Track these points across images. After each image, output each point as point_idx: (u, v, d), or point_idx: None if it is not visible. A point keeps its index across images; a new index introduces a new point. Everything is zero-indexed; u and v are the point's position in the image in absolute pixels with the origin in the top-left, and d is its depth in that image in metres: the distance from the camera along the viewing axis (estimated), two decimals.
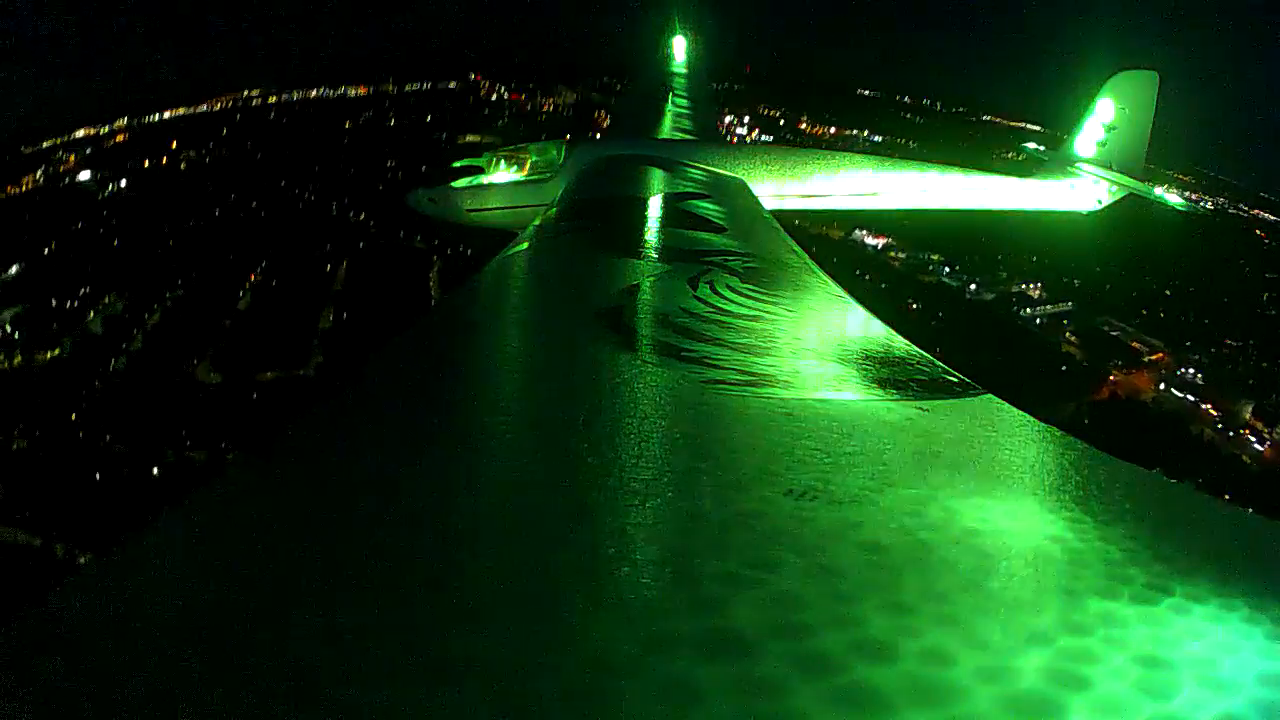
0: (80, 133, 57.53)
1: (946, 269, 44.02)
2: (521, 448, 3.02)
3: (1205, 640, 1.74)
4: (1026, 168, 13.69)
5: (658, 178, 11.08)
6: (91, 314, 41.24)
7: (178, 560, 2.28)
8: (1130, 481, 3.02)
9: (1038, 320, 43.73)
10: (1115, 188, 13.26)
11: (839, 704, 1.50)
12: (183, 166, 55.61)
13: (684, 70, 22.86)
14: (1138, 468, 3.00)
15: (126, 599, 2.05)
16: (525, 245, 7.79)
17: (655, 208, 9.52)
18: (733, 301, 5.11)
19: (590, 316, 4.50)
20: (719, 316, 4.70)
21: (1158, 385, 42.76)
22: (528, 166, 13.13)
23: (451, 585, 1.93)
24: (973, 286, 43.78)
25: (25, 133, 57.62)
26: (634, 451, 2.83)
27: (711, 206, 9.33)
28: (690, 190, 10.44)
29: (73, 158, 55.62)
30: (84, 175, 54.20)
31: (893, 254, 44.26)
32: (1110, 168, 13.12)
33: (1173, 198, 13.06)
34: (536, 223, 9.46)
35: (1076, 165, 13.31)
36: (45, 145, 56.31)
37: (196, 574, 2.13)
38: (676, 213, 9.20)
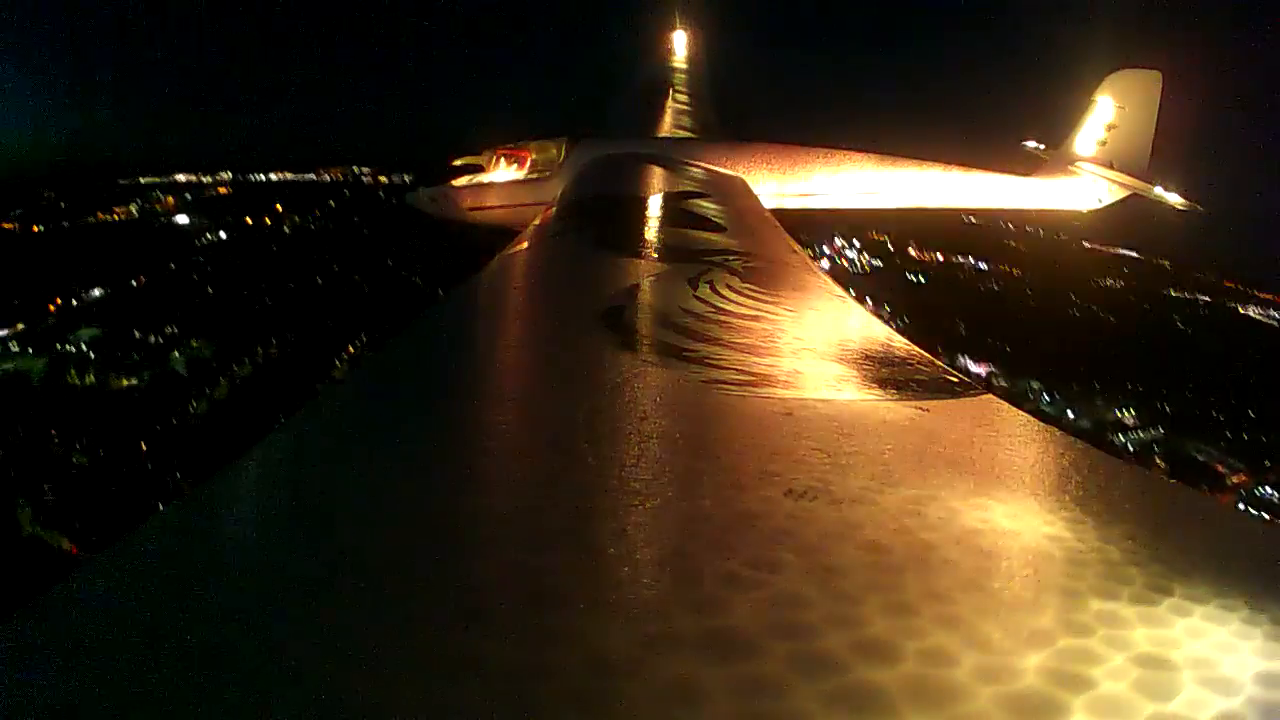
0: (180, 177, 56.94)
1: (1046, 397, 44.67)
2: (521, 447, 3.02)
3: (1205, 640, 1.74)
4: (1026, 167, 13.69)
5: (658, 176, 11.08)
6: (176, 353, 40.54)
7: (177, 558, 2.28)
8: (1130, 482, 3.02)
9: (1129, 447, 44.35)
10: (1115, 187, 13.27)
11: (839, 704, 1.51)
12: (286, 230, 54.53)
13: (684, 66, 22.83)
14: (1138, 467, 3.00)
15: (126, 597, 2.05)
16: (525, 244, 7.79)
17: (655, 206, 9.52)
18: (733, 301, 5.11)
19: (590, 316, 4.50)
20: (719, 316, 4.70)
21: (1237, 506, 43.01)
22: (528, 165, 13.14)
23: (451, 585, 1.93)
24: (1069, 414, 44.62)
25: (123, 166, 57.55)
26: (634, 451, 2.83)
27: (712, 205, 9.33)
28: (690, 189, 10.43)
29: (171, 199, 54.78)
30: (182, 219, 53.65)
31: (996, 379, 44.86)
32: (1111, 167, 13.12)
33: (1173, 197, 13.06)
34: (537, 222, 9.47)
35: (1076, 164, 13.31)
36: (143, 181, 55.87)
37: (195, 573, 2.14)
38: (677, 212, 9.20)
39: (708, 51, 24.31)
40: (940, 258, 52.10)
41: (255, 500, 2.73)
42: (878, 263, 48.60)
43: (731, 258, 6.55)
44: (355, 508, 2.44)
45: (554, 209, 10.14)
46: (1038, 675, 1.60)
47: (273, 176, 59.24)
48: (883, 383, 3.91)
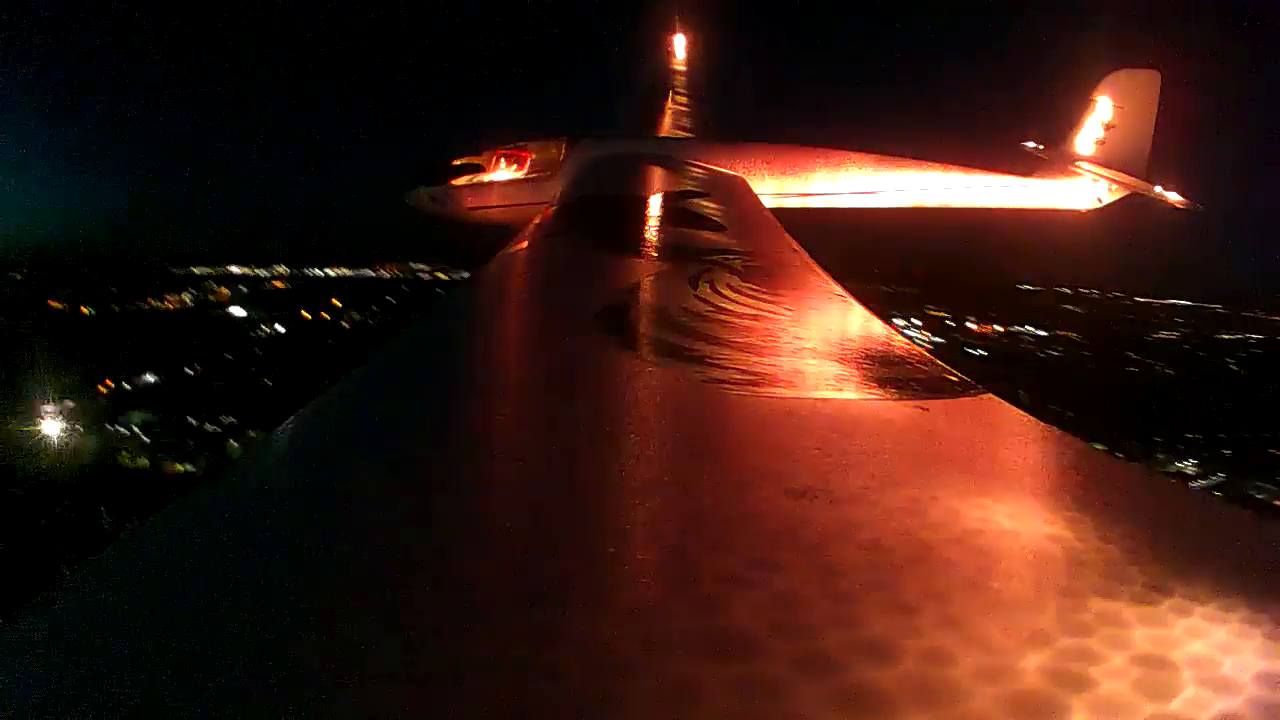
0: (234, 269, 56.23)
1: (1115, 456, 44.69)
2: (520, 447, 3.02)
3: (1205, 640, 1.74)
4: (1026, 166, 13.69)
5: (658, 176, 11.09)
6: (232, 442, 39.87)
7: (176, 558, 2.28)
8: (1130, 481, 3.03)
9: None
10: (1115, 186, 13.28)
11: (839, 704, 1.50)
12: (345, 326, 53.43)
13: (684, 66, 22.82)
14: (1138, 467, 3.00)
15: (125, 597, 2.05)
16: (524, 244, 7.79)
17: (655, 206, 9.52)
18: (733, 300, 5.11)
19: (590, 316, 4.50)
20: (719, 316, 4.70)
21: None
22: (528, 164, 13.16)
23: (450, 585, 1.93)
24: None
25: (175, 254, 57.18)
26: (634, 451, 2.83)
27: (712, 205, 9.33)
28: (690, 189, 10.44)
29: (225, 290, 53.99)
30: (237, 310, 52.88)
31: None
32: (1110, 166, 13.13)
33: (1172, 196, 13.06)
34: (536, 221, 9.47)
35: (1076, 164, 13.31)
36: (196, 271, 55.17)
37: (194, 573, 2.13)
38: (676, 211, 9.21)
39: (708, 51, 24.32)
40: (999, 328, 51.80)
41: (254, 500, 2.73)
42: (939, 339, 47.69)
43: (732, 257, 6.55)
44: (354, 507, 2.44)
45: (554, 208, 10.14)
46: (1038, 675, 1.60)
47: (329, 271, 58.64)
48: (883, 382, 3.90)
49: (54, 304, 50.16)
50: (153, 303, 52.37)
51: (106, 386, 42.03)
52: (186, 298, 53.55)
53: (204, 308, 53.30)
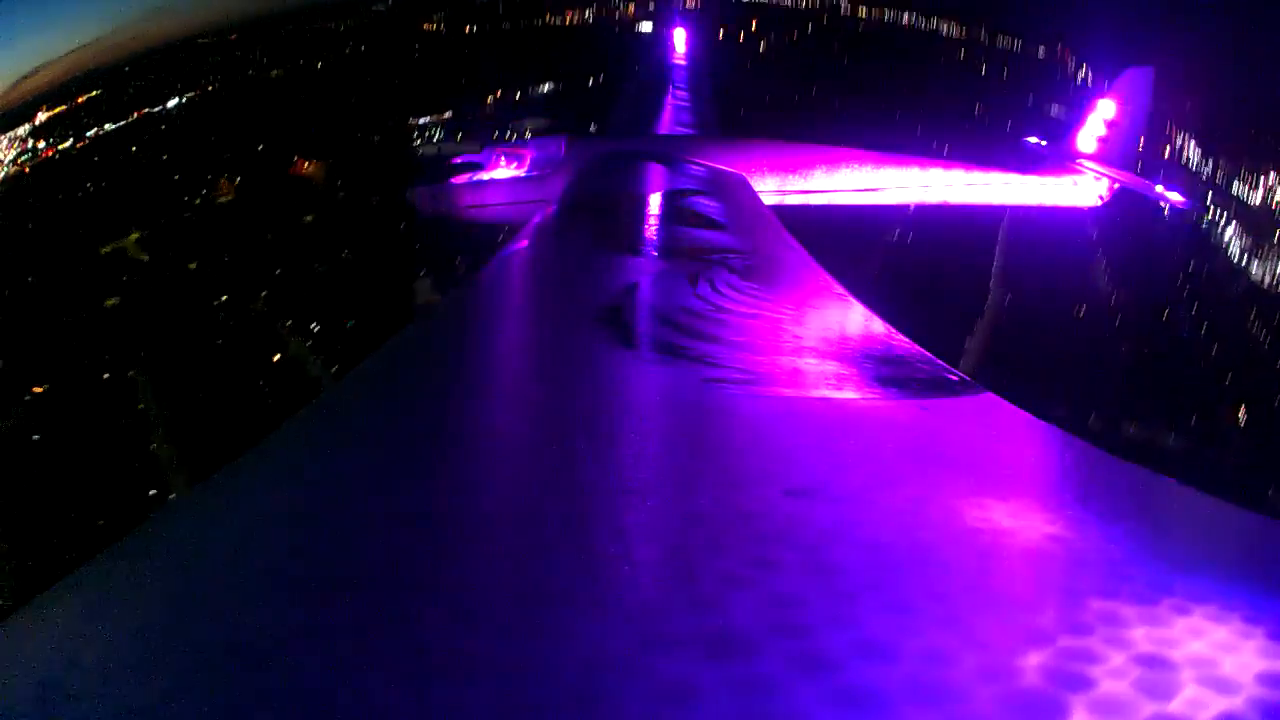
0: None
1: None
2: (521, 445, 3.02)
3: (1205, 640, 1.74)
4: (1027, 163, 13.63)
5: (658, 174, 11.06)
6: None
7: (176, 557, 2.28)
8: (1130, 481, 3.02)
9: None
10: (1115, 184, 13.24)
11: (839, 703, 1.50)
12: None
13: (684, 64, 22.74)
14: (1138, 467, 2.99)
15: (125, 596, 2.05)
16: (525, 243, 7.78)
17: (655, 204, 9.50)
18: (733, 299, 5.10)
19: (590, 314, 4.50)
20: (719, 315, 4.69)
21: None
22: (528, 163, 13.10)
23: (451, 583, 1.93)
24: None
25: None
26: (634, 450, 2.83)
27: (712, 203, 9.31)
28: (691, 186, 10.41)
29: None
30: None
31: None
32: (1109, 164, 13.09)
33: (1172, 195, 13.03)
34: (537, 220, 9.45)
35: (1076, 161, 13.27)
36: None
37: (193, 572, 2.13)
38: (677, 209, 9.19)
39: (708, 48, 24.21)
40: None
41: (255, 500, 2.73)
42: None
43: (731, 255, 6.54)
44: (355, 507, 2.44)
45: (554, 207, 10.11)
46: (1038, 675, 1.59)
47: None
48: (883, 381, 3.90)
49: None
50: None
51: None
52: None
53: None
